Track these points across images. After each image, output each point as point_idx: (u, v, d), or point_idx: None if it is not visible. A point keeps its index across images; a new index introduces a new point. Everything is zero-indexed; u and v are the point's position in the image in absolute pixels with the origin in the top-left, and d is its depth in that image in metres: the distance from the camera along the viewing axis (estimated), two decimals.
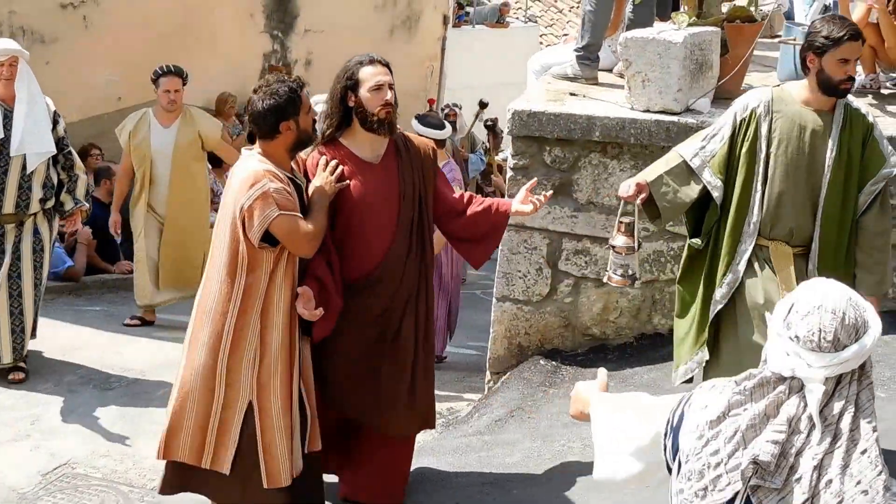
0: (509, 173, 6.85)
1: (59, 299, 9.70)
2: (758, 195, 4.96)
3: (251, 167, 4.76)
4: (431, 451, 6.27)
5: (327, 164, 4.98)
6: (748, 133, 4.99)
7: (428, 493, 5.63)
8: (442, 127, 8.13)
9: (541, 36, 20.96)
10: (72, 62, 11.63)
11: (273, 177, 4.74)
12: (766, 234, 5.00)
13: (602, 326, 6.80)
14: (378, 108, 4.96)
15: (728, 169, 5.03)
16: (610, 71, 7.60)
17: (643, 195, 5.01)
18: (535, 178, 5.79)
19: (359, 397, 5.16)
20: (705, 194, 5.07)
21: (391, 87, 5.04)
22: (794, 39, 7.39)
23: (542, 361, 6.77)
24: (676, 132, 6.40)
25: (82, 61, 12.03)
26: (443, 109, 13.16)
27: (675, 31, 6.67)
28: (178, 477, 5.05)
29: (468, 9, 20.10)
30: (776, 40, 7.98)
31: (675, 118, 6.47)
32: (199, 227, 8.74)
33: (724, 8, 7.18)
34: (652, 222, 5.32)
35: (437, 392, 7.89)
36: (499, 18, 20.01)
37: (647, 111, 6.57)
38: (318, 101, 6.41)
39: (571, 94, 7.06)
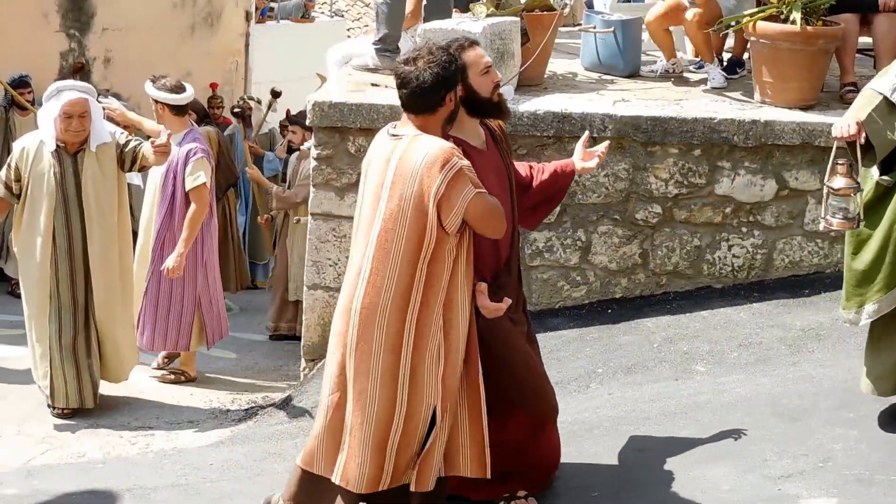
0: (313, 164, 6.92)
1: None
2: None
3: (434, 145, 4.30)
4: (245, 438, 6.31)
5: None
6: None
7: (240, 481, 5.66)
8: (180, 91, 7.48)
9: (348, 30, 21.01)
10: None
11: (459, 154, 4.33)
12: None
13: None
14: (490, 91, 4.65)
15: None
16: None
17: (863, 133, 4.83)
18: (588, 133, 5.37)
19: (540, 388, 4.86)
20: None
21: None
22: (594, 27, 7.69)
23: None
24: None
25: None
26: (238, 102, 12.81)
27: (473, 21, 6.86)
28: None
29: (272, 4, 20.01)
30: (578, 28, 8.27)
31: None
32: None
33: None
34: (860, 162, 4.97)
35: (252, 381, 8.00)
36: (304, 13, 19.98)
37: None
38: None
39: (373, 85, 7.17)
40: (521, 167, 5.01)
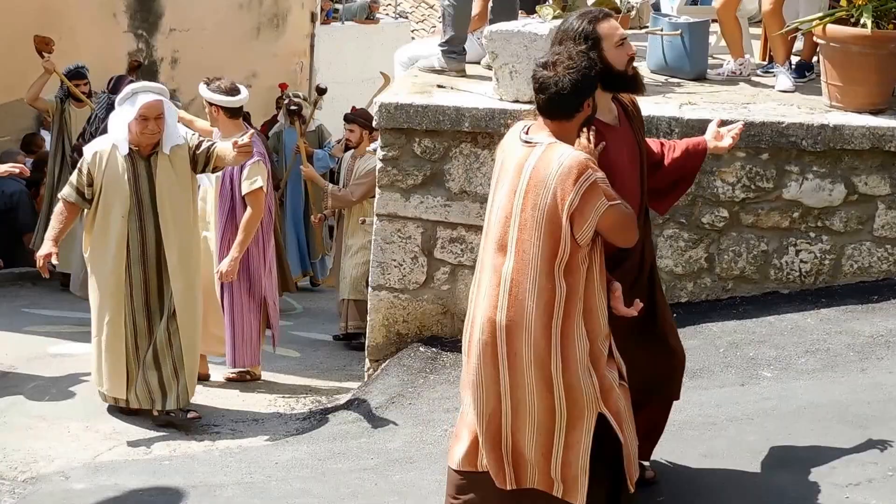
0: (378, 164, 6.95)
1: None
2: None
3: (570, 156, 4.23)
4: (310, 438, 6.34)
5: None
6: None
7: (305, 480, 5.70)
8: (234, 93, 7.43)
9: (412, 32, 21.08)
10: None
11: (594, 164, 4.26)
12: None
13: None
14: (626, 64, 4.52)
15: None
16: (478, 63, 7.74)
17: None
18: (720, 118, 5.25)
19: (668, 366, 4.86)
20: None
21: None
22: (661, 30, 7.65)
23: (421, 348, 6.88)
24: (510, 120, 6.56)
25: None
26: (283, 99, 12.73)
27: (540, 23, 6.86)
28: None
29: (337, 5, 20.13)
30: (644, 31, 8.23)
31: None
32: None
33: (590, 1, 7.38)
34: None
35: (316, 380, 8.04)
36: (368, 15, 20.08)
37: (517, 101, 6.73)
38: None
39: (439, 87, 7.19)
40: (653, 143, 4.88)
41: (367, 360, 7.17)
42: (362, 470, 5.73)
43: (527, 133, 4.38)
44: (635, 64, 4.67)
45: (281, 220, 11.35)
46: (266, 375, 7.92)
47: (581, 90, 4.25)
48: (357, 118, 9.54)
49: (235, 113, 7.45)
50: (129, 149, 6.48)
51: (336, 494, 5.48)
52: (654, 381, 4.77)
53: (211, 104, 7.37)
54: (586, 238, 4.23)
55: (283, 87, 14.77)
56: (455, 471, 4.65)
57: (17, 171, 7.47)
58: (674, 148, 4.89)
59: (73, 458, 6.18)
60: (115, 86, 8.73)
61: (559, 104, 4.27)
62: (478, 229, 6.76)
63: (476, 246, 6.79)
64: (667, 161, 4.85)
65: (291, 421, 6.85)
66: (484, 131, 6.72)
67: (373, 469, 5.72)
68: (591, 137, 4.38)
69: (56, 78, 10.40)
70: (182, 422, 6.61)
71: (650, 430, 4.88)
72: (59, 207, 6.68)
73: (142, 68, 14.61)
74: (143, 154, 6.52)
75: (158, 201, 6.51)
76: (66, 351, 8.21)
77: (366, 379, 7.14)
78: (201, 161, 6.59)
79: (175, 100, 9.70)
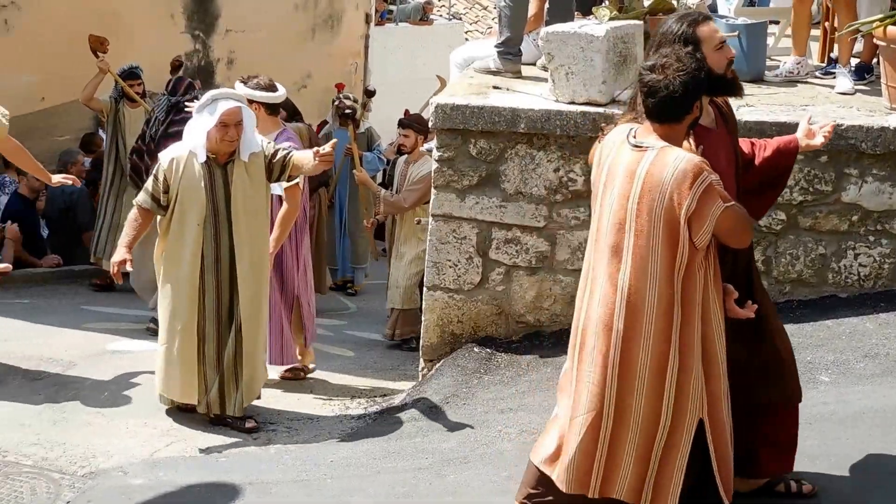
0: (434, 165, 6.97)
1: None
2: None
3: (684, 159, 4.21)
4: (365, 436, 6.37)
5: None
6: None
7: (360, 479, 5.72)
8: (273, 90, 7.40)
9: (466, 33, 21.13)
10: None
11: (708, 166, 4.23)
12: None
13: (536, 314, 6.93)
14: (725, 67, 4.52)
15: None
16: (534, 64, 7.74)
17: None
18: (810, 115, 5.26)
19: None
20: None
21: None
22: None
23: (475, 349, 6.89)
24: (603, 123, 6.54)
25: (4, 64, 11.93)
26: (333, 101, 12.74)
27: (596, 25, 6.85)
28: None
29: (391, 7, 20.20)
30: None
31: (601, 109, 6.63)
32: None
33: (647, 2, 7.37)
34: None
35: (370, 380, 8.07)
36: (422, 16, 20.13)
37: (573, 103, 6.72)
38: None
39: (495, 88, 7.20)
40: (743, 143, 4.85)
41: (421, 359, 7.19)
42: (417, 469, 5.74)
43: (634, 137, 4.35)
44: None
45: (330, 222, 11.42)
46: (320, 375, 7.95)
47: (692, 92, 4.25)
48: (412, 123, 9.48)
49: (274, 109, 7.47)
50: (207, 156, 6.44)
51: (391, 493, 5.49)
52: (763, 384, 4.69)
53: (251, 101, 7.22)
54: (704, 241, 4.22)
55: (339, 87, 14.80)
56: (536, 466, 4.66)
57: (70, 181, 7.54)
58: (765, 147, 4.86)
59: (131, 454, 6.24)
60: (174, 87, 8.77)
61: (670, 107, 4.26)
62: (532, 230, 6.79)
63: (531, 247, 6.80)
64: (758, 160, 4.82)
65: (346, 420, 6.88)
66: (540, 132, 6.72)
67: (427, 469, 5.73)
68: (692, 141, 4.38)
69: (111, 78, 10.46)
70: (239, 428, 6.62)
71: (776, 438, 4.76)
72: (133, 213, 6.63)
73: (198, 69, 14.77)
74: (220, 161, 6.47)
75: (233, 209, 6.46)
76: (123, 348, 8.30)
77: (420, 379, 7.16)
78: (277, 170, 6.55)
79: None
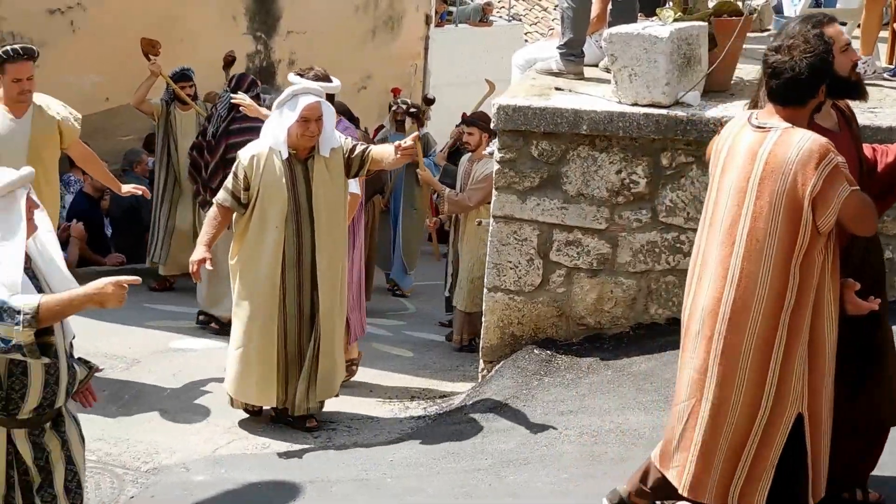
0: (496, 166, 6.97)
1: None
2: None
3: (809, 139, 4.06)
4: (425, 436, 6.38)
5: None
6: None
7: (420, 478, 5.74)
8: (329, 80, 7.25)
9: (525, 34, 21.07)
10: (60, 66, 11.67)
11: (834, 148, 4.07)
12: None
13: (597, 316, 6.91)
14: (850, 70, 4.39)
15: None
16: (596, 66, 7.71)
17: None
18: None
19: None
20: None
21: None
22: None
23: (536, 350, 6.87)
24: (666, 125, 6.54)
25: (70, 64, 12.08)
26: (390, 106, 12.67)
27: (660, 26, 6.80)
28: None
29: (451, 8, 20.21)
30: (766, 34, 8.12)
31: (664, 111, 6.59)
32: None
33: (711, 3, 7.31)
34: None
35: (430, 380, 8.07)
36: (482, 17, 20.11)
37: (636, 105, 6.69)
38: None
39: (557, 89, 7.18)
40: (865, 149, 4.69)
41: (481, 360, 7.19)
42: (476, 470, 5.75)
43: (757, 119, 4.23)
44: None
45: (384, 227, 11.44)
46: (380, 375, 7.97)
47: (818, 74, 4.13)
48: (476, 121, 9.40)
49: (330, 100, 7.44)
50: (288, 152, 6.39)
51: (450, 493, 5.50)
52: (867, 404, 4.57)
53: None
54: (828, 225, 4.06)
55: (395, 91, 14.84)
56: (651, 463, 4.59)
57: (140, 192, 7.58)
58: (886, 153, 4.72)
59: (193, 451, 6.31)
60: (237, 83, 8.78)
61: (795, 89, 4.14)
62: (594, 232, 6.77)
63: (592, 249, 6.78)
64: (880, 167, 4.69)
65: (405, 420, 6.90)
66: (602, 134, 6.69)
67: (487, 470, 5.73)
68: None
69: (162, 82, 10.48)
70: (300, 427, 6.62)
71: (871, 453, 4.68)
72: (212, 212, 6.56)
73: (260, 70, 14.87)
74: (301, 157, 6.43)
75: (315, 205, 6.42)
76: (186, 346, 8.37)
77: (480, 380, 7.16)
78: (355, 165, 6.51)
79: (263, 91, 9.67)
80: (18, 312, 3.84)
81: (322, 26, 15.86)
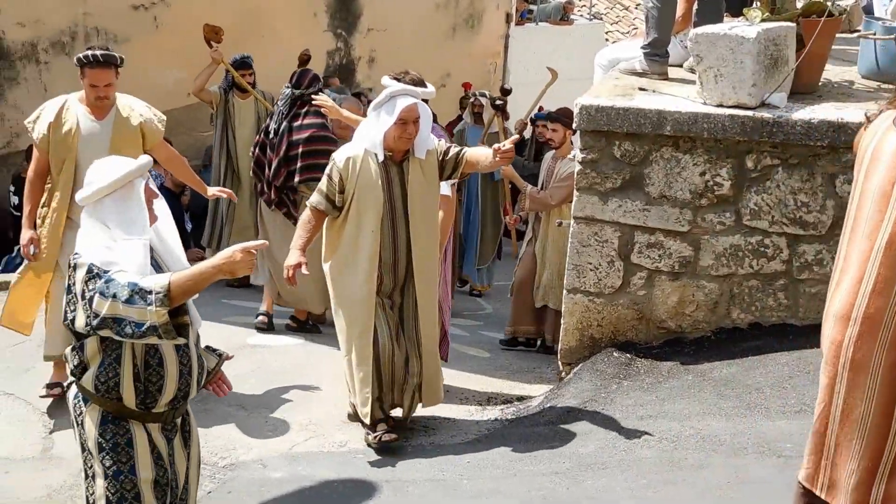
0: (577, 167, 6.90)
1: None
2: None
3: None
4: (502, 438, 6.34)
5: None
6: None
7: (496, 480, 5.70)
8: (424, 85, 6.95)
9: (606, 33, 20.93)
10: (143, 61, 11.81)
11: None
12: None
13: (678, 320, 6.82)
14: None
15: None
16: (680, 66, 7.62)
17: None
18: None
19: None
20: None
21: None
22: (874, 34, 7.37)
23: (615, 353, 6.80)
24: (752, 127, 6.42)
25: (153, 60, 12.22)
26: (463, 99, 12.53)
27: (747, 26, 6.69)
28: None
29: (532, 6, 20.15)
30: (855, 35, 7.94)
31: (750, 112, 6.48)
32: None
33: (800, 3, 7.18)
34: None
35: (506, 381, 8.03)
36: (563, 16, 20.02)
37: (721, 106, 6.58)
38: None
39: (641, 89, 7.09)
40: None
41: (559, 362, 7.13)
42: (554, 473, 5.70)
43: None
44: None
45: (459, 223, 11.41)
46: (457, 375, 7.94)
47: None
48: (560, 117, 9.21)
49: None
50: (384, 155, 6.32)
51: (527, 496, 5.46)
52: None
53: None
54: None
55: (466, 86, 14.81)
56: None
57: (225, 195, 7.58)
58: None
59: (270, 447, 6.33)
60: (298, 79, 8.74)
61: None
62: (676, 235, 6.67)
63: (674, 252, 6.69)
64: None
65: (483, 421, 6.87)
66: (686, 135, 6.59)
67: (564, 473, 5.68)
68: None
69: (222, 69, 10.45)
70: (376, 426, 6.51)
71: None
72: (306, 215, 6.47)
73: (340, 67, 14.93)
74: (396, 160, 6.35)
75: (410, 208, 6.34)
76: (263, 342, 8.41)
77: (558, 382, 7.10)
78: (449, 167, 6.43)
79: (343, 93, 9.62)
80: (150, 292, 3.83)
81: (402, 24, 15.90)
